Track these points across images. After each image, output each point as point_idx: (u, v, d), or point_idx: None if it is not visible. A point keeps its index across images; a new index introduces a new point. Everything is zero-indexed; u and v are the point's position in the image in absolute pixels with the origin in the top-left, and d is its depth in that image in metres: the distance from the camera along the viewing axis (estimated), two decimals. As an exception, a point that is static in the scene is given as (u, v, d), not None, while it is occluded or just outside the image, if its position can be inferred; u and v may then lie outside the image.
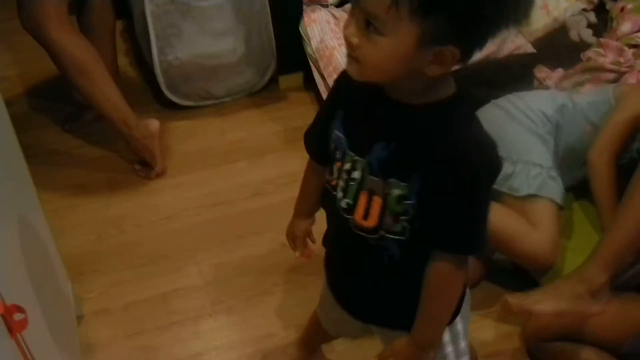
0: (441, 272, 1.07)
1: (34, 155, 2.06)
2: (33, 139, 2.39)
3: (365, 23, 0.91)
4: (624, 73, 2.24)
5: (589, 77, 2.28)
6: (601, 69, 2.28)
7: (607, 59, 2.30)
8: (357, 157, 1.06)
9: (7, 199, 1.31)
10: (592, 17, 2.63)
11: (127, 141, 2.24)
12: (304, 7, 2.54)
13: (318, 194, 1.30)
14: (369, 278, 1.19)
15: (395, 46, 0.90)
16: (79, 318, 1.84)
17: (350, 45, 0.94)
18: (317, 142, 1.21)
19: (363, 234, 1.10)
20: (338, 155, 1.11)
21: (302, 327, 1.69)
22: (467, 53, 0.94)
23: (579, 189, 1.96)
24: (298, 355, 1.71)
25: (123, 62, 2.74)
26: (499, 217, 1.73)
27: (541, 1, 2.62)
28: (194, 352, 1.78)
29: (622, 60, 2.27)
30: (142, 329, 1.83)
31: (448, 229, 1.03)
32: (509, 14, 0.91)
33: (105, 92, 2.14)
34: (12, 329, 1.04)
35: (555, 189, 1.81)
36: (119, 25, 2.69)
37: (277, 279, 1.96)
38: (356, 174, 1.07)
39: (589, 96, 2.03)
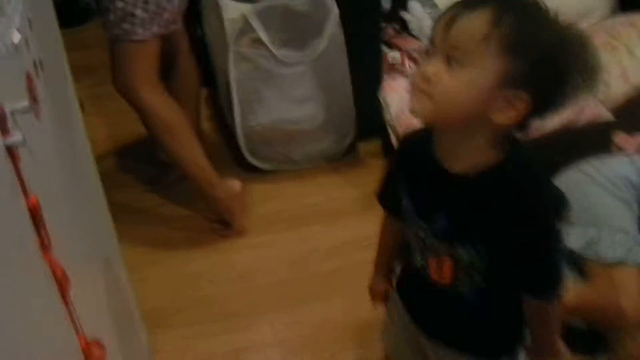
0: (536, 311, 1.09)
1: (117, 212, 2.13)
2: (118, 197, 2.47)
3: (446, 59, 0.93)
4: None
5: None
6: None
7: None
8: (422, 223, 1.09)
9: (94, 246, 1.37)
10: None
11: (209, 200, 2.29)
12: (384, 75, 2.59)
13: (395, 249, 1.32)
14: (445, 314, 1.20)
15: (475, 79, 0.92)
16: (152, 369, 1.85)
17: (425, 79, 0.95)
18: (391, 197, 1.22)
19: (439, 287, 1.11)
20: (407, 217, 1.13)
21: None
22: (537, 106, 0.95)
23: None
24: None
25: (206, 127, 2.84)
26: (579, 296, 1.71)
27: (620, 68, 2.61)
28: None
29: None
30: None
31: (530, 277, 1.05)
32: (576, 74, 0.93)
33: (191, 152, 2.22)
34: None
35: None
36: (203, 92, 2.80)
37: (349, 341, 1.93)
38: (423, 235, 1.10)
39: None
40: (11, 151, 0.76)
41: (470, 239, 1.02)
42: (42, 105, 0.97)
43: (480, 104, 0.93)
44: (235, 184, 2.33)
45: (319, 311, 2.03)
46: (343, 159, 2.71)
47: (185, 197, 2.49)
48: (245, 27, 2.41)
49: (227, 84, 2.51)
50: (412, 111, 0.99)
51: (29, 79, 0.92)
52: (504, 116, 0.94)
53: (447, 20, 0.94)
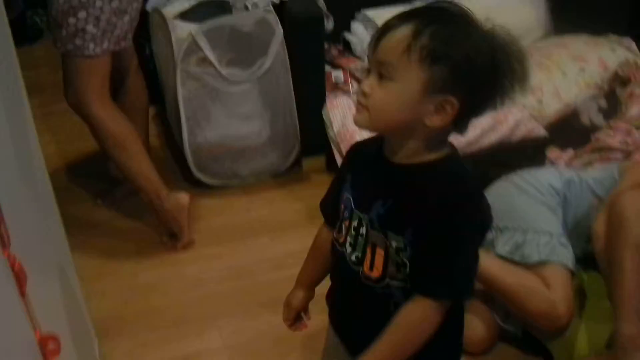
0: (414, 314, 1.12)
1: (70, 225, 2.18)
2: (70, 210, 2.51)
3: (379, 76, 1.04)
4: (630, 152, 2.34)
5: (597, 156, 2.38)
6: (609, 148, 2.39)
7: (615, 139, 2.40)
8: (361, 214, 1.17)
9: (48, 250, 1.43)
10: (603, 102, 2.76)
11: (158, 213, 2.37)
12: (328, 93, 2.70)
13: (323, 264, 1.35)
14: (373, 322, 1.21)
15: (403, 90, 1.03)
16: (103, 378, 1.90)
17: (363, 94, 1.07)
18: (331, 206, 1.30)
19: (371, 283, 1.18)
20: (346, 214, 1.21)
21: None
22: (466, 108, 1.05)
23: (586, 261, 2.01)
24: None
25: (155, 143, 2.92)
26: (515, 276, 1.82)
27: (553, 87, 2.77)
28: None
29: (629, 140, 2.38)
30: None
31: (429, 273, 1.10)
32: (500, 76, 1.04)
33: (140, 165, 2.30)
34: (46, 356, 1.13)
35: (565, 255, 1.88)
36: (152, 110, 2.86)
37: (295, 346, 2.01)
38: (363, 230, 1.17)
39: (594, 172, 2.13)
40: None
41: (401, 228, 1.10)
42: None
43: (411, 111, 1.04)
44: (183, 197, 2.39)
45: (266, 319, 2.10)
46: (288, 174, 2.81)
47: (135, 211, 2.55)
48: (192, 46, 2.49)
49: (175, 102, 2.59)
50: (355, 122, 1.10)
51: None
52: (436, 119, 1.05)
53: (375, 39, 1.06)
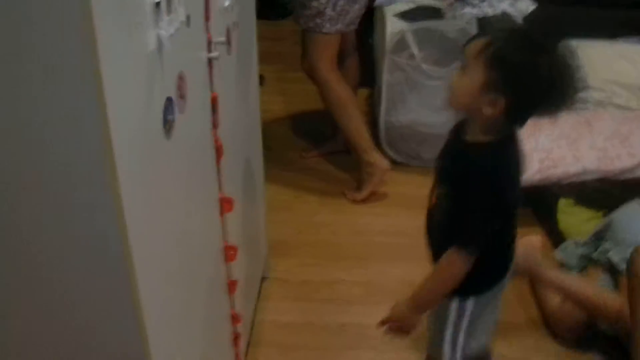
0: (443, 259, 1.47)
1: (275, 162, 2.70)
2: (279, 153, 3.19)
3: (462, 70, 1.41)
4: None
5: None
6: None
7: None
8: (437, 166, 1.56)
9: (249, 182, 1.97)
10: None
11: (361, 165, 2.90)
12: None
13: None
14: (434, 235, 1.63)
15: (471, 83, 1.38)
16: (264, 279, 2.42)
17: (451, 81, 1.45)
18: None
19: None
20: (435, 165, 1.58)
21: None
22: (512, 110, 1.35)
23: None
24: None
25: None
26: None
27: None
28: (342, 322, 2.28)
29: None
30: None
31: (456, 226, 1.44)
32: (547, 88, 1.34)
33: (356, 123, 2.85)
34: (227, 260, 1.64)
35: None
36: (365, 92, 3.39)
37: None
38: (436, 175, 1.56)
39: None
40: (210, 62, 1.36)
41: (444, 181, 1.49)
42: (233, 47, 1.58)
43: (473, 99, 1.37)
44: (384, 161, 2.91)
45: (408, 270, 2.49)
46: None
47: (330, 166, 3.12)
48: (402, 41, 2.96)
49: (380, 85, 3.07)
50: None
51: (227, 31, 1.53)
52: (489, 110, 1.35)
53: (465, 43, 1.43)
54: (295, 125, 3.55)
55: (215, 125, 1.45)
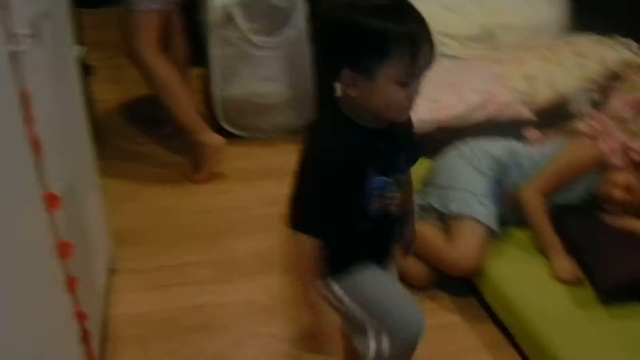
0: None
1: (111, 152, 2.61)
2: (113, 143, 3.09)
3: None
4: (595, 138, 2.59)
5: (565, 138, 2.65)
6: (578, 132, 2.66)
7: (585, 125, 2.67)
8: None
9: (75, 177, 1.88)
10: (596, 95, 2.94)
11: (194, 146, 2.87)
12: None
13: None
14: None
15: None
16: (113, 271, 2.34)
17: None
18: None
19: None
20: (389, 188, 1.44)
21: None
22: (361, 73, 1.25)
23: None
24: None
25: (195, 99, 3.36)
26: (424, 233, 2.15)
27: (548, 77, 2.96)
28: (197, 303, 2.25)
29: (598, 127, 2.63)
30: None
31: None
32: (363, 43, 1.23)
33: (184, 105, 2.81)
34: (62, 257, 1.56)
35: (481, 212, 2.16)
36: (199, 71, 3.36)
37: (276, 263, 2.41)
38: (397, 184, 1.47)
39: (544, 148, 2.42)
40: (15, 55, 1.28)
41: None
42: (45, 39, 1.49)
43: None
44: (218, 138, 2.89)
45: (254, 244, 2.51)
46: (303, 130, 3.21)
47: (166, 150, 3.10)
48: (227, 15, 2.94)
49: (211, 61, 3.04)
50: None
51: (33, 22, 1.44)
52: (351, 90, 1.29)
53: None
54: (130, 113, 3.46)
55: (29, 120, 1.38)
